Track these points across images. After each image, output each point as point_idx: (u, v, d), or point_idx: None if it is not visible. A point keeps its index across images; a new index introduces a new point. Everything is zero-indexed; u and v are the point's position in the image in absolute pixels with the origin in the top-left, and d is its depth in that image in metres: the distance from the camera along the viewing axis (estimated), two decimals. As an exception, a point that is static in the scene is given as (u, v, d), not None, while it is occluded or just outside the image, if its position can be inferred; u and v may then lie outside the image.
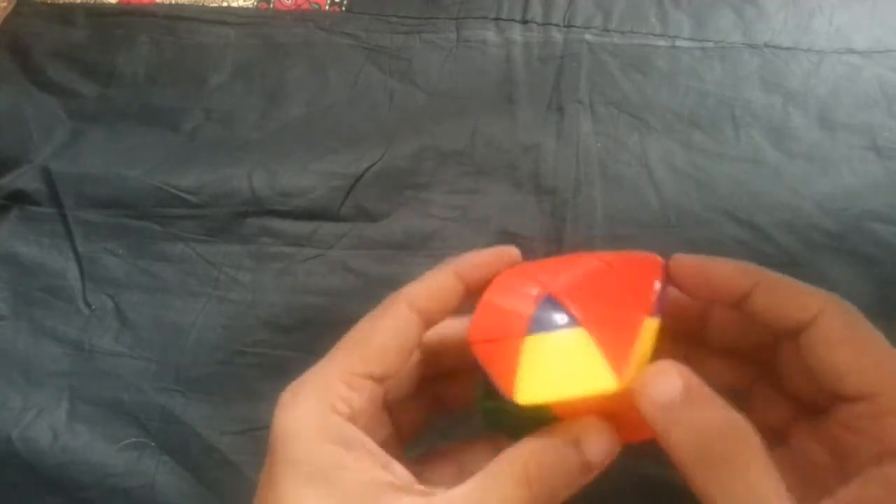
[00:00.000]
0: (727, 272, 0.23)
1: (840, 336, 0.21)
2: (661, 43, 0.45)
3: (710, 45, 0.45)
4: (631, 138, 0.42)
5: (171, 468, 0.35)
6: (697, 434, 0.19)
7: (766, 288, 0.22)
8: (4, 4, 0.50)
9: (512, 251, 0.25)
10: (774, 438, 0.24)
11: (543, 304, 0.22)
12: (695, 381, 0.20)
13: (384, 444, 0.22)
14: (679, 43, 0.45)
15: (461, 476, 0.20)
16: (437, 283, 0.24)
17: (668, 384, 0.20)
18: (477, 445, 0.25)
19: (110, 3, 0.51)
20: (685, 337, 0.26)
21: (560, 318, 0.22)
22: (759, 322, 0.22)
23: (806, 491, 0.21)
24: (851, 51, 0.45)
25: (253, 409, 0.36)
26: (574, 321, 0.21)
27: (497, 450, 0.21)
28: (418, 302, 0.23)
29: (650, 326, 0.21)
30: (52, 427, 0.36)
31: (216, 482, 0.35)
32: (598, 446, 0.20)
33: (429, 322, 0.24)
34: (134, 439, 0.36)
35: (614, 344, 0.20)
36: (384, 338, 0.23)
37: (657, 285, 0.22)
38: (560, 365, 0.21)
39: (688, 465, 0.19)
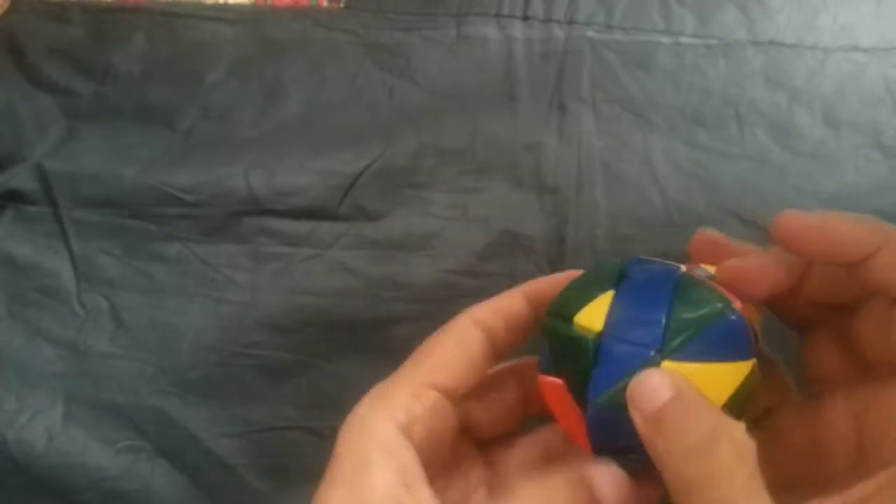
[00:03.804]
0: (851, 230, 0.20)
1: None
2: (665, 40, 0.45)
3: (714, 41, 0.45)
4: (634, 136, 0.42)
5: (167, 471, 0.35)
6: (682, 445, 0.18)
7: (894, 249, 0.20)
8: (1, 2, 0.50)
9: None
10: (819, 389, 0.23)
11: None
12: (685, 385, 0.19)
13: (447, 465, 0.23)
14: (682, 40, 0.45)
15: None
16: (502, 302, 0.24)
17: (657, 392, 0.19)
18: (513, 449, 0.25)
19: (106, 1, 0.50)
20: None
21: None
22: (874, 284, 0.20)
23: (818, 457, 0.21)
24: (856, 48, 0.44)
25: (250, 412, 0.36)
26: None
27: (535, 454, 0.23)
28: (481, 318, 0.24)
29: None
30: (46, 429, 0.36)
31: (213, 486, 0.34)
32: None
33: (496, 341, 0.24)
34: (130, 442, 0.35)
35: None
36: (446, 349, 0.23)
37: None
38: None
39: (671, 482, 0.19)
